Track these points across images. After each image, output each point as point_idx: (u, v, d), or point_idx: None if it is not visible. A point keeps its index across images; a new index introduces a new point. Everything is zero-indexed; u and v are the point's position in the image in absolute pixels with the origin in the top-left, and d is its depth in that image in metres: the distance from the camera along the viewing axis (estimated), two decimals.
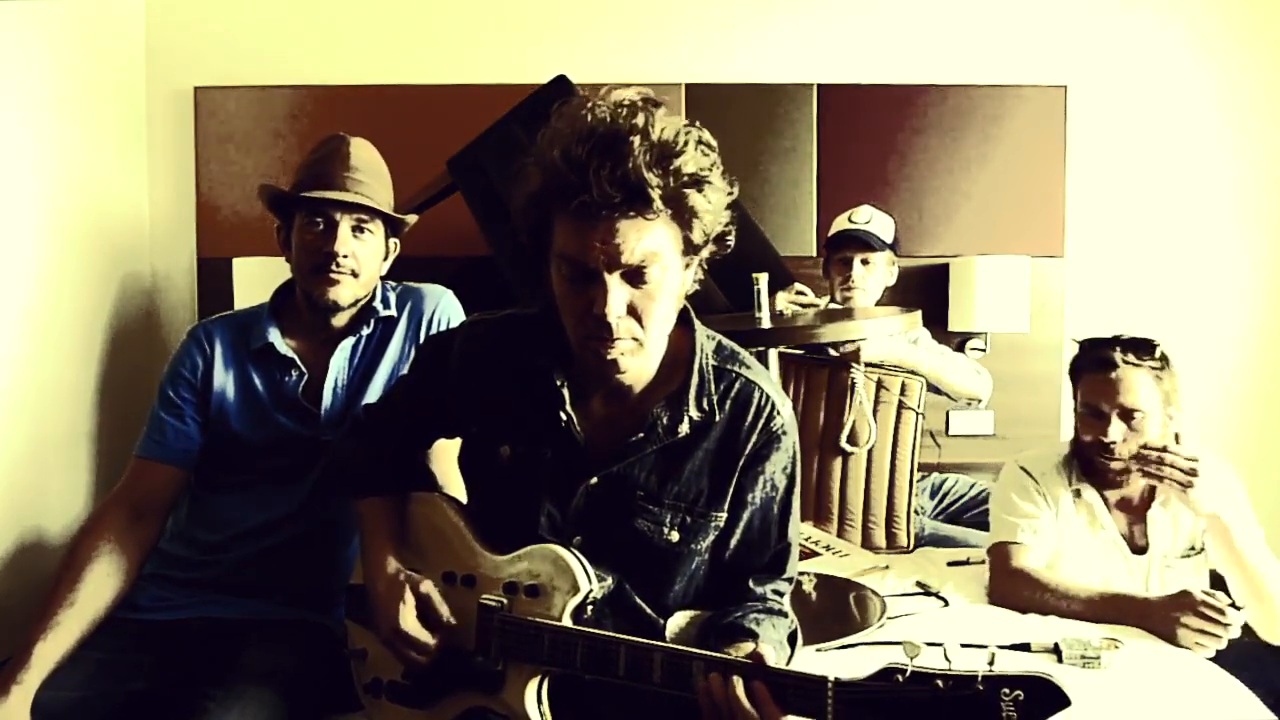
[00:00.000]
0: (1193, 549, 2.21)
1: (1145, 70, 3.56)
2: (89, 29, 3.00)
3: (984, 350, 3.53)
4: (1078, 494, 2.24)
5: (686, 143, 1.27)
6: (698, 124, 1.32)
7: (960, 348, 3.53)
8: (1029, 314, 3.40)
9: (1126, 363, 2.16)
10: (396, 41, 3.43)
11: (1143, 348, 2.18)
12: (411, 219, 2.01)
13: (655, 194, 1.24)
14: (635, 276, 1.29)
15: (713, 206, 1.32)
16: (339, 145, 1.92)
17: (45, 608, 1.70)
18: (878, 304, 3.05)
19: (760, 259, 2.93)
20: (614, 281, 1.28)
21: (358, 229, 1.89)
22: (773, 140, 3.49)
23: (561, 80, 2.73)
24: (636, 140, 1.23)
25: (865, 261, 3.01)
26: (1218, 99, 3.56)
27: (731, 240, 1.40)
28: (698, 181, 1.28)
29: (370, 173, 1.92)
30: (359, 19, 3.42)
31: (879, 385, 2.83)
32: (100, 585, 1.74)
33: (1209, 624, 1.93)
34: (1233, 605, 1.98)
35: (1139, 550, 2.22)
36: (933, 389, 2.95)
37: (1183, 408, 2.22)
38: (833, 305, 3.04)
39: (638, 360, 1.36)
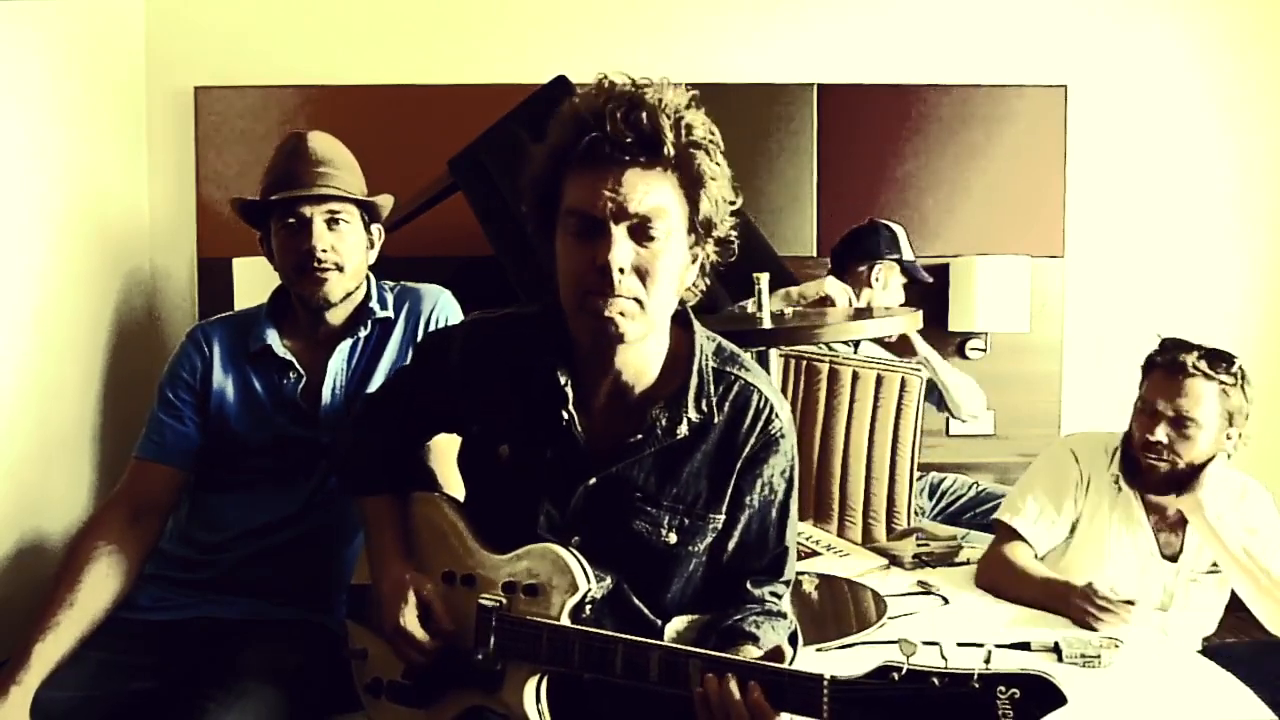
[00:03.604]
0: (1216, 565, 2.20)
1: (1145, 70, 3.57)
2: (89, 29, 3.00)
3: (984, 350, 3.53)
4: (1117, 480, 2.24)
5: (693, 112, 1.31)
6: None
7: (960, 348, 3.53)
8: (1029, 314, 3.41)
9: (1196, 369, 2.14)
10: (396, 41, 3.43)
11: (1217, 360, 2.17)
12: (386, 200, 1.96)
13: (667, 140, 1.27)
14: (641, 234, 1.29)
15: (719, 180, 1.34)
16: (297, 142, 1.89)
17: (45, 608, 1.69)
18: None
19: (760, 259, 2.94)
20: (619, 233, 1.28)
21: (332, 221, 1.86)
22: (773, 140, 3.49)
23: (561, 80, 2.73)
24: (649, 93, 1.28)
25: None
26: (1217, 99, 3.57)
27: (735, 247, 1.42)
28: (705, 148, 1.32)
29: (334, 163, 1.89)
30: (359, 19, 3.43)
31: (879, 381, 2.83)
32: (100, 586, 1.74)
33: (1103, 615, 1.99)
34: (1128, 602, 2.02)
35: (1170, 558, 2.22)
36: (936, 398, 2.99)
37: (1247, 430, 2.20)
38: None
39: (638, 327, 1.33)
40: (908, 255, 3.16)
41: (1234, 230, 3.59)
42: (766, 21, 3.50)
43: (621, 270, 1.28)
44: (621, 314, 1.30)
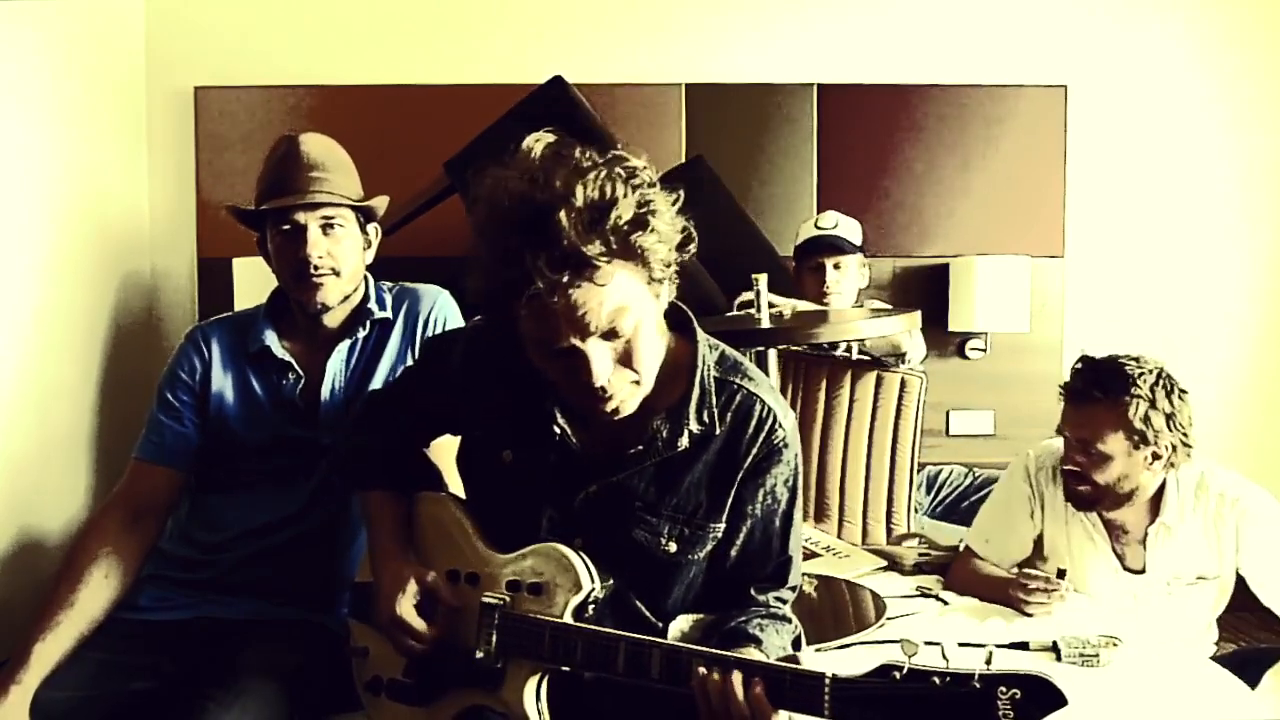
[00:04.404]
0: (1202, 578, 2.15)
1: (1145, 70, 3.57)
2: (89, 29, 3.00)
3: (984, 350, 3.53)
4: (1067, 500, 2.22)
5: (614, 190, 1.21)
6: (620, 145, 1.28)
7: (960, 348, 3.53)
8: (1029, 314, 3.41)
9: (1088, 394, 2.08)
10: (396, 41, 3.44)
11: (1114, 379, 2.05)
12: (381, 201, 1.94)
13: (600, 260, 1.19)
14: (612, 333, 1.25)
15: (663, 234, 1.25)
16: (289, 147, 1.87)
17: (45, 608, 1.70)
18: (853, 306, 3.05)
19: (760, 259, 2.94)
20: (593, 348, 1.24)
21: (327, 226, 1.84)
22: (773, 140, 3.49)
23: (558, 80, 2.73)
24: (563, 213, 1.17)
25: (837, 266, 3.02)
26: (1218, 99, 3.57)
27: (693, 245, 1.33)
28: (640, 223, 1.22)
29: (327, 167, 1.86)
30: (359, 19, 3.43)
31: (878, 382, 2.83)
32: (100, 586, 1.74)
33: (1033, 595, 2.05)
34: (1059, 574, 2.07)
35: (1136, 571, 2.17)
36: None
37: (1180, 441, 2.05)
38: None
39: (639, 395, 1.33)
40: (819, 230, 3.03)
41: (1234, 230, 3.59)
42: (766, 21, 3.50)
43: (609, 379, 1.27)
44: (622, 400, 1.31)
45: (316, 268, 1.83)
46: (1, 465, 2.48)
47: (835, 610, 2.24)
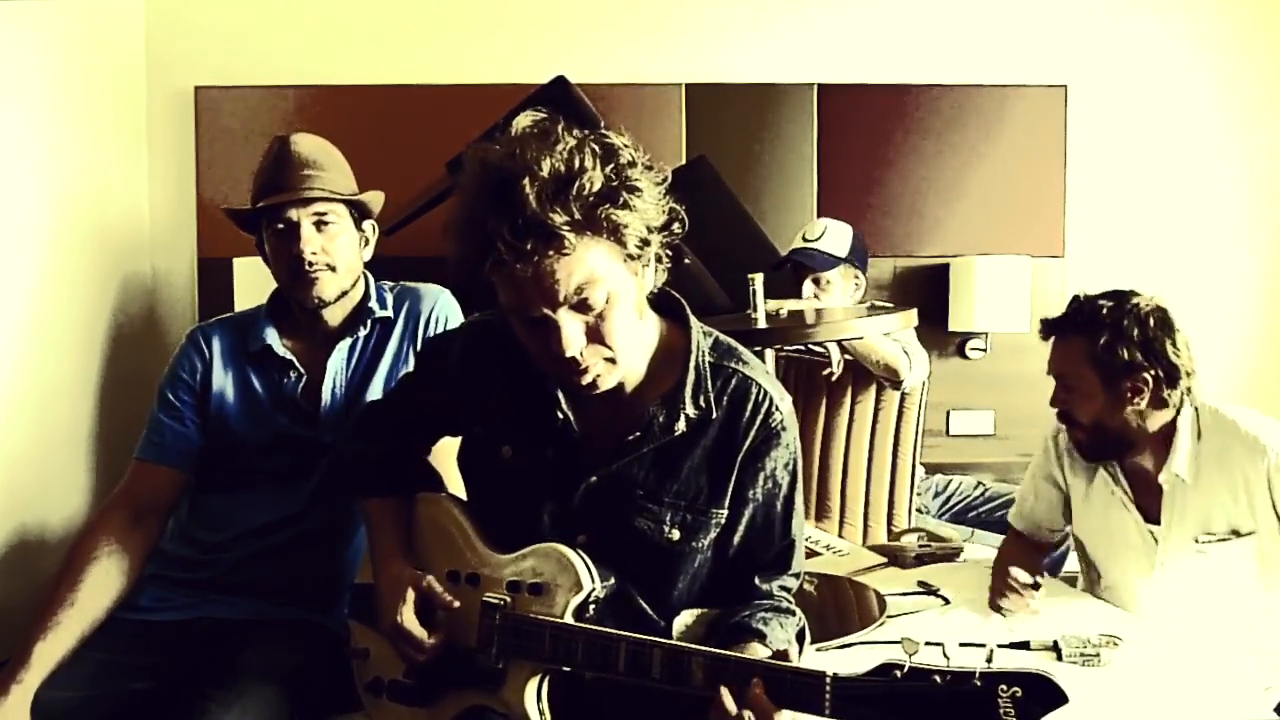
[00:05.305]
0: (1235, 532, 1.99)
1: (1145, 70, 3.56)
2: (89, 29, 3.00)
3: (984, 350, 3.54)
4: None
5: (582, 164, 1.22)
6: (603, 128, 1.30)
7: (960, 348, 3.54)
8: (1029, 314, 3.40)
9: (1060, 329, 2.05)
10: (396, 41, 3.43)
11: (1079, 314, 2.01)
12: (374, 196, 1.95)
13: (563, 230, 1.20)
14: (583, 305, 1.27)
15: (637, 211, 1.26)
16: (280, 147, 1.89)
17: (46, 608, 1.70)
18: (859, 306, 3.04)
19: (762, 260, 2.94)
20: (564, 318, 1.26)
21: (320, 223, 1.85)
22: (773, 140, 3.49)
23: (560, 80, 2.72)
24: (526, 182, 1.19)
25: (817, 281, 2.96)
26: (1218, 99, 3.57)
27: (680, 226, 1.35)
28: (610, 197, 1.23)
29: (319, 164, 1.88)
30: (359, 19, 3.43)
31: (879, 385, 2.83)
32: (100, 586, 1.74)
33: (1008, 594, 2.05)
34: (1034, 586, 2.05)
35: (1154, 520, 2.06)
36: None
37: (1165, 372, 1.96)
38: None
39: (616, 374, 1.34)
40: (802, 244, 2.99)
41: (1235, 230, 3.59)
42: (766, 21, 3.50)
43: (581, 351, 1.28)
44: (597, 375, 1.31)
45: (311, 263, 1.84)
46: (1, 465, 2.48)
47: (837, 608, 2.24)
